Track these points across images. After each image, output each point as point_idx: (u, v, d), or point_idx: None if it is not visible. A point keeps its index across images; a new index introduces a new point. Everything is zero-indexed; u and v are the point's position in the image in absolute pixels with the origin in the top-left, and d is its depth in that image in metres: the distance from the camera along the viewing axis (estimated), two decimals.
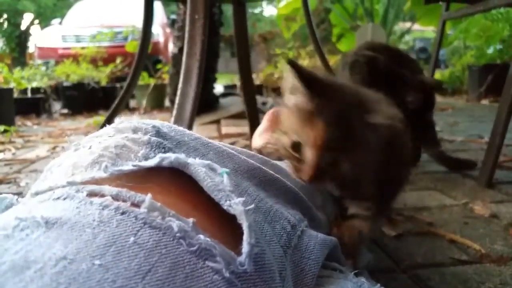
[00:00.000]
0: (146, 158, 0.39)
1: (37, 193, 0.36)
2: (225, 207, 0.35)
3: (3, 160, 2.07)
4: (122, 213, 0.31)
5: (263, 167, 0.52)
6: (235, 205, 0.35)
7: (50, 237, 0.28)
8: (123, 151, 0.40)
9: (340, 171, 0.55)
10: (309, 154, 0.55)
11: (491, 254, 0.90)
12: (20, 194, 1.39)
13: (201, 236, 0.32)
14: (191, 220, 0.32)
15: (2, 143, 2.64)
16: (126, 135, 0.42)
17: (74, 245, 0.27)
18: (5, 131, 2.88)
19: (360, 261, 0.60)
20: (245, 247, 0.33)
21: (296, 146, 0.57)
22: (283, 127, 0.59)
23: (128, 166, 0.37)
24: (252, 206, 0.36)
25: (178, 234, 0.31)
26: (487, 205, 1.20)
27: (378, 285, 0.46)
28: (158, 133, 0.44)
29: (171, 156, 0.38)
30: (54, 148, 2.39)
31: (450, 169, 1.63)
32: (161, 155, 0.38)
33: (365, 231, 0.57)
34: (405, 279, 0.82)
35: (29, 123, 3.87)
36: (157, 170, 0.38)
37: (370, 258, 0.63)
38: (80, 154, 0.40)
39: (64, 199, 0.33)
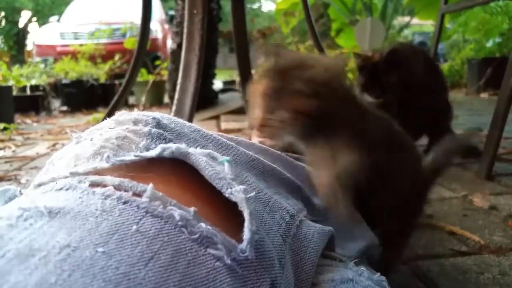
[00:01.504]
0: (147, 149, 0.39)
1: (40, 185, 0.37)
2: (226, 195, 0.36)
3: (3, 157, 2.08)
4: (124, 203, 0.31)
5: (262, 158, 0.53)
6: (236, 192, 0.35)
7: (53, 226, 0.28)
8: (124, 142, 0.40)
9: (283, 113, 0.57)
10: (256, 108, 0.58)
11: (490, 245, 0.91)
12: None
13: (203, 224, 0.32)
14: (192, 209, 0.33)
15: (2, 140, 2.64)
16: (127, 127, 0.43)
17: (77, 234, 0.28)
18: (4, 128, 2.88)
19: (352, 248, 0.60)
20: (246, 234, 0.33)
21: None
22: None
23: (130, 156, 0.37)
24: (253, 194, 0.36)
25: (179, 223, 0.31)
26: (486, 197, 1.20)
27: (378, 274, 0.46)
28: (158, 124, 0.44)
29: (172, 146, 0.38)
30: (54, 145, 2.39)
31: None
32: (162, 145, 0.38)
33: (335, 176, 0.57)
34: (405, 270, 0.83)
35: (28, 120, 3.87)
36: (158, 161, 0.38)
37: (371, 243, 0.63)
38: (82, 146, 0.41)
39: (67, 189, 0.33)
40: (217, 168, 0.38)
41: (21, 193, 0.39)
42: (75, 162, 0.38)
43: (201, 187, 0.37)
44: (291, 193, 0.51)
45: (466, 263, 0.84)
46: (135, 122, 0.44)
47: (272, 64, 0.60)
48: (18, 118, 3.77)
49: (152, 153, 0.38)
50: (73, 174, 0.36)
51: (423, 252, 0.90)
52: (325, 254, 0.47)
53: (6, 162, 1.94)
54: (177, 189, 0.37)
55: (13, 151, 2.24)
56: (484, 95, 4.20)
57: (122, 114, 0.46)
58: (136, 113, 0.46)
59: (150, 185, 0.33)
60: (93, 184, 0.34)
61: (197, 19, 1.23)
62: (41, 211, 0.29)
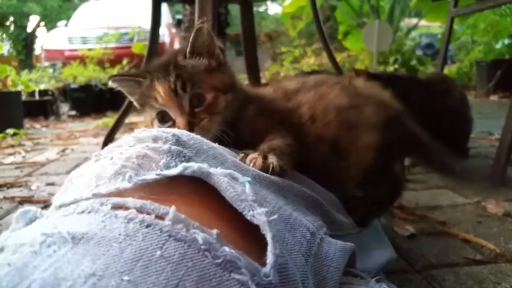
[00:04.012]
0: (167, 167, 0.39)
1: (61, 206, 0.36)
2: (248, 217, 0.35)
3: (13, 163, 2.09)
4: (147, 226, 0.31)
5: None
6: (258, 215, 0.35)
7: (77, 253, 0.28)
8: (144, 161, 0.40)
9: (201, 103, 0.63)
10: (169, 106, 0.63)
11: (506, 254, 0.89)
12: (31, 198, 1.38)
13: (226, 248, 0.32)
14: (215, 231, 0.32)
15: (12, 146, 2.66)
16: (147, 144, 0.43)
17: (102, 261, 0.27)
18: (14, 134, 2.90)
19: (372, 262, 0.59)
20: (270, 258, 0.33)
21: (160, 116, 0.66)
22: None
23: (151, 176, 0.37)
24: (275, 217, 0.36)
25: (203, 247, 0.31)
26: (500, 204, 1.19)
27: None
28: (178, 141, 0.44)
29: (193, 166, 0.38)
30: (63, 150, 2.40)
31: None
32: (184, 164, 0.38)
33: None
34: (420, 280, 0.82)
35: (37, 125, 3.89)
36: (179, 179, 0.38)
37: (390, 258, 0.63)
38: (102, 165, 0.40)
39: (89, 212, 0.33)
40: (239, 189, 0.38)
41: (41, 214, 0.39)
42: (96, 182, 0.38)
43: (223, 206, 0.37)
44: (310, 208, 0.51)
45: (482, 272, 0.83)
46: (155, 139, 0.44)
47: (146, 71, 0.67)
48: (27, 123, 3.80)
49: (174, 171, 0.38)
50: (95, 196, 0.35)
51: (437, 260, 0.89)
52: (346, 271, 0.46)
53: (16, 168, 1.96)
54: (199, 210, 0.36)
55: (23, 157, 2.26)
56: (493, 97, 4.16)
57: (141, 131, 0.46)
58: (155, 130, 0.46)
59: (173, 208, 0.33)
60: (115, 207, 0.33)
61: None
62: (64, 237, 0.29)
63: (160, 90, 0.63)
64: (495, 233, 1.00)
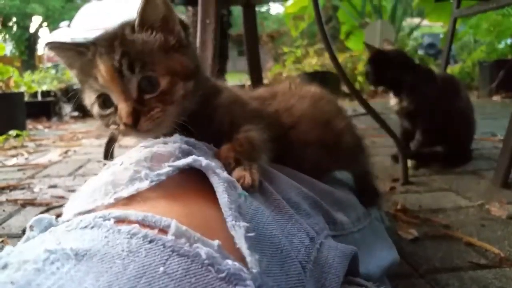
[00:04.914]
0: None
1: (79, 214, 0.37)
2: (228, 225, 0.36)
3: (16, 165, 2.09)
4: (150, 241, 0.31)
5: (282, 174, 0.53)
6: (237, 227, 0.36)
7: (81, 270, 0.28)
8: (153, 163, 0.41)
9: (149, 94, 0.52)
10: (112, 90, 0.52)
11: (511, 258, 0.89)
12: (34, 200, 1.38)
13: (229, 261, 0.31)
14: (216, 242, 0.32)
15: (15, 147, 2.67)
16: (157, 146, 0.44)
17: (105, 278, 0.27)
18: (17, 135, 2.90)
19: (375, 265, 0.59)
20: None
21: (103, 100, 0.55)
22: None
23: (165, 169, 0.39)
24: (253, 234, 0.36)
25: (206, 261, 0.31)
26: (504, 206, 1.18)
27: None
28: (187, 142, 0.45)
29: (202, 160, 0.40)
30: (66, 152, 2.40)
31: None
32: (194, 157, 0.40)
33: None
34: (424, 284, 0.81)
35: (40, 126, 3.90)
36: (188, 176, 0.40)
37: (393, 261, 0.62)
38: (114, 172, 0.41)
39: (92, 227, 0.33)
40: (232, 197, 0.39)
41: (57, 221, 0.39)
42: (114, 189, 0.39)
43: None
44: (314, 208, 0.51)
45: (487, 277, 0.82)
46: (165, 142, 0.46)
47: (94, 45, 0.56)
48: (29, 124, 3.80)
49: (184, 161, 0.39)
50: (117, 200, 0.37)
51: (441, 264, 0.88)
52: (349, 280, 0.46)
53: (19, 170, 1.96)
54: (201, 220, 0.37)
55: (26, 159, 2.26)
56: (496, 98, 4.15)
57: (150, 139, 0.48)
58: (162, 138, 0.47)
59: (174, 221, 0.33)
60: (118, 220, 0.33)
61: (210, 29, 1.22)
62: (67, 253, 0.29)
63: (102, 68, 0.52)
64: (499, 237, 1.00)
